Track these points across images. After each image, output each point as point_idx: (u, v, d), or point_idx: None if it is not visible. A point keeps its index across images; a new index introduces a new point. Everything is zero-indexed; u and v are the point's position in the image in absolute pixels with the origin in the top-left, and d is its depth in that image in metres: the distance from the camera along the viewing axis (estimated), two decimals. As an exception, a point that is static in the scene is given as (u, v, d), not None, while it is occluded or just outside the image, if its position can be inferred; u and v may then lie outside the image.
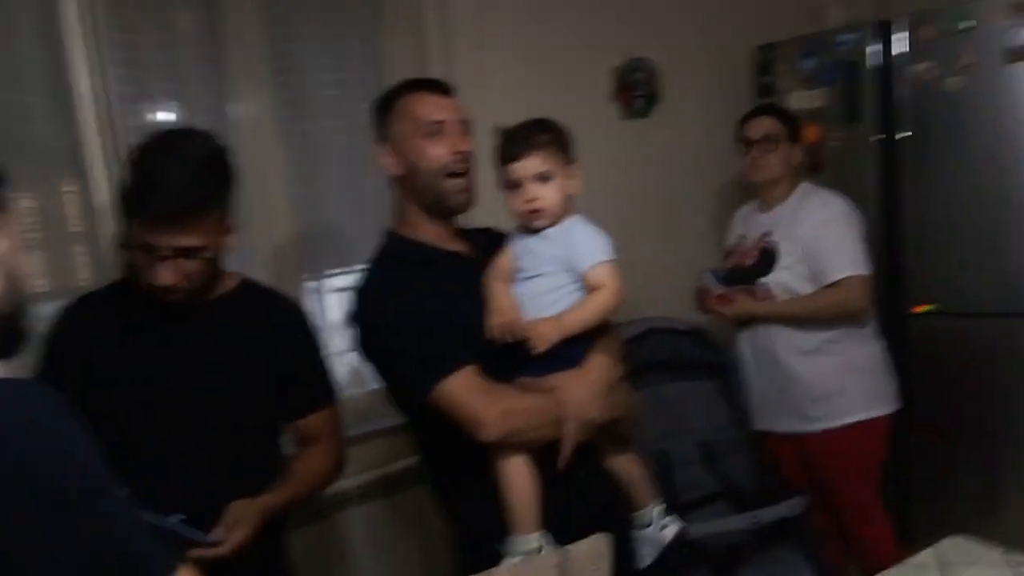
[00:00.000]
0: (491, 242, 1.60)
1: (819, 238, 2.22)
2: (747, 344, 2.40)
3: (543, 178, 1.45)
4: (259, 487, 1.49)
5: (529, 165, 1.44)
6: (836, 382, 2.26)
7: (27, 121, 1.91)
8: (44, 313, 1.58)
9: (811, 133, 2.67)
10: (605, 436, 1.54)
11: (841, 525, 2.36)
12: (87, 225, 1.96)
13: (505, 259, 1.52)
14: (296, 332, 1.61)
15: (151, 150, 1.42)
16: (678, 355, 2.52)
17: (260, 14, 2.20)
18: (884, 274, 2.61)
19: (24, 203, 1.92)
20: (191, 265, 1.40)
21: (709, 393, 2.52)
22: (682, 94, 2.87)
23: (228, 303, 1.55)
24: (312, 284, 2.32)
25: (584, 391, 1.45)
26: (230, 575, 1.33)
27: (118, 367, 1.47)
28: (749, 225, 2.42)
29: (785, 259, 2.26)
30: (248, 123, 2.21)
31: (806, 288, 2.25)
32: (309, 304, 2.28)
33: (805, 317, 2.25)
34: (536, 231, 1.49)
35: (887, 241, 2.69)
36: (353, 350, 1.57)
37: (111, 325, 1.50)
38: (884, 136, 2.68)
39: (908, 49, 2.59)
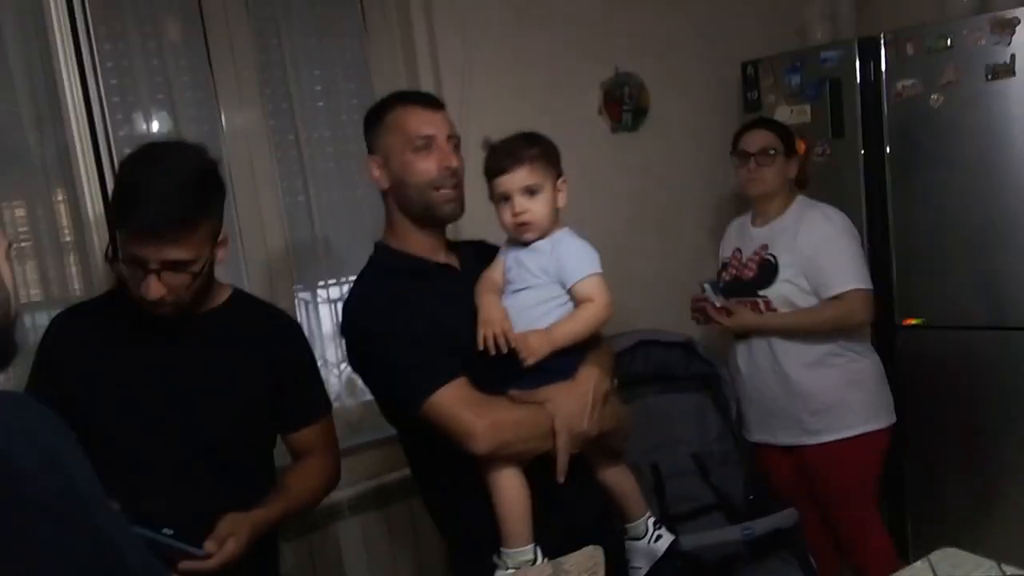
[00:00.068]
0: (481, 255, 1.61)
1: (821, 252, 2.23)
2: (744, 356, 2.39)
3: (531, 191, 1.46)
4: (251, 499, 1.48)
5: (517, 178, 1.46)
6: (837, 395, 2.27)
7: (17, 130, 1.90)
8: (37, 323, 1.57)
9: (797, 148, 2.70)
10: (596, 449, 1.55)
11: (839, 537, 2.36)
12: (78, 235, 1.95)
13: (495, 271, 1.53)
14: (289, 345, 1.60)
15: (138, 163, 1.41)
16: (668, 367, 2.53)
17: (249, 24, 2.21)
18: (871, 288, 2.64)
19: (16, 212, 1.92)
20: (179, 279, 1.39)
21: (699, 405, 2.53)
22: (669, 108, 2.89)
23: (220, 315, 1.54)
24: (304, 295, 2.32)
25: (574, 404, 1.45)
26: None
27: (109, 378, 1.46)
28: (744, 238, 2.42)
29: (785, 272, 2.26)
30: (239, 133, 2.21)
31: (806, 301, 2.25)
32: (301, 315, 2.29)
33: (807, 330, 2.25)
34: (525, 244, 1.50)
35: (873, 255, 2.71)
36: (345, 361, 1.57)
37: (103, 336, 1.49)
38: (869, 151, 2.71)
39: (891, 66, 2.63)
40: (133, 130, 2.08)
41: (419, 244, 1.57)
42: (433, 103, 1.57)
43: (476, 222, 1.62)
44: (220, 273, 1.56)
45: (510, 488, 1.43)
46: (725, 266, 2.45)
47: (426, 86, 2.37)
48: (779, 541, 2.28)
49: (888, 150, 2.68)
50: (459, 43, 2.43)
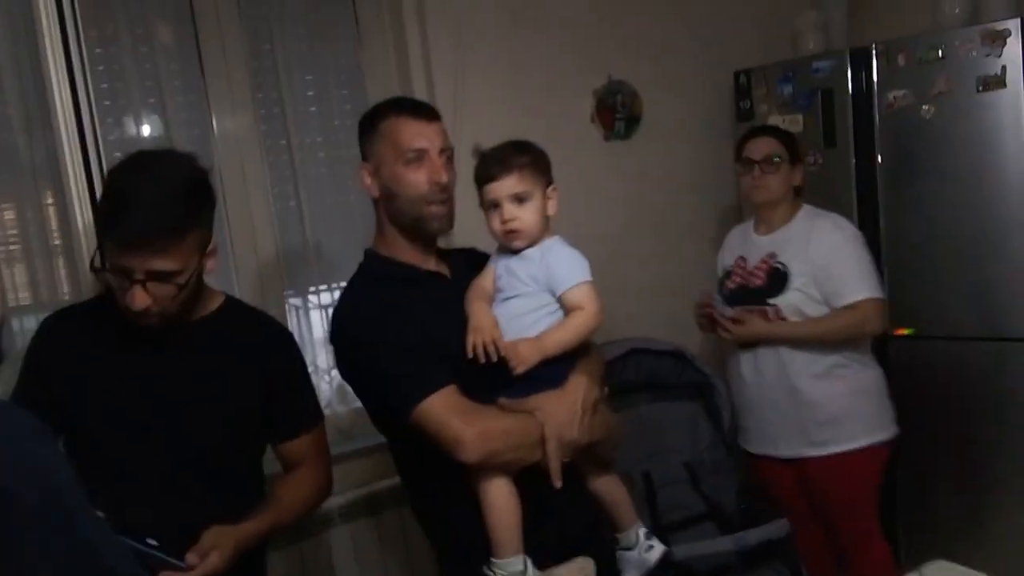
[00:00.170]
0: (472, 262, 1.60)
1: (833, 260, 2.22)
2: (749, 365, 2.35)
3: (519, 199, 1.46)
4: (240, 509, 1.46)
5: (506, 185, 1.45)
6: (844, 406, 2.25)
7: (6, 131, 1.89)
8: (25, 327, 1.56)
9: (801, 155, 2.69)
10: (586, 458, 1.54)
11: (840, 548, 2.35)
12: (67, 239, 1.94)
13: (485, 279, 1.53)
14: (281, 352, 1.58)
15: (126, 170, 1.40)
16: (659, 376, 2.52)
17: (241, 27, 2.20)
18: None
19: (5, 215, 1.91)
20: (165, 290, 1.37)
21: (691, 414, 2.52)
22: (662, 117, 2.90)
23: (211, 323, 1.52)
24: (295, 300, 2.31)
25: (564, 412, 1.44)
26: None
27: (96, 383, 1.44)
28: (748, 246, 2.39)
29: (797, 280, 2.24)
30: (230, 137, 2.20)
31: (816, 310, 2.23)
32: (292, 321, 2.28)
33: (819, 339, 2.23)
34: (515, 251, 1.50)
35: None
36: (336, 368, 1.56)
37: (90, 339, 1.47)
38: (860, 161, 2.72)
39: (883, 76, 2.64)
40: (123, 133, 2.07)
41: (409, 252, 1.56)
42: (428, 114, 1.55)
43: (467, 229, 1.62)
44: (210, 279, 1.54)
45: (500, 497, 1.43)
46: (728, 274, 2.41)
47: (419, 91, 2.37)
48: (771, 551, 2.27)
49: (880, 160, 2.69)
50: (452, 49, 2.43)
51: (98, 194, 1.80)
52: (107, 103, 2.02)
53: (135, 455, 1.43)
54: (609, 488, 1.60)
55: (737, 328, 2.29)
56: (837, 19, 3.02)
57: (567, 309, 1.47)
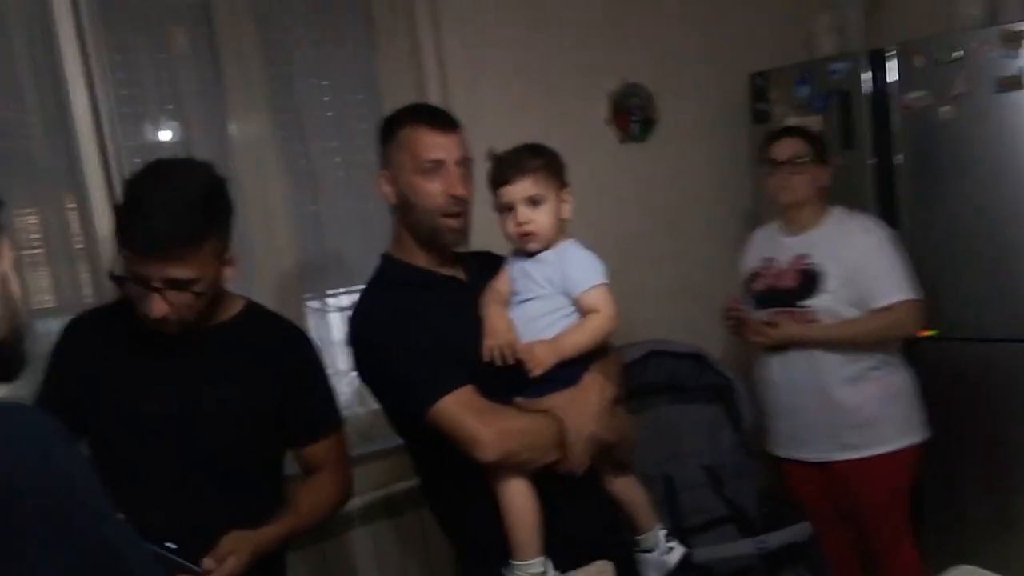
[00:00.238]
0: (487, 265, 1.60)
1: (868, 262, 2.19)
2: (779, 368, 2.30)
3: (534, 202, 1.46)
4: (255, 511, 1.46)
5: (520, 189, 1.45)
6: (877, 409, 2.23)
7: (27, 139, 1.91)
8: (48, 329, 1.58)
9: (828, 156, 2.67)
10: (604, 460, 1.54)
11: (872, 552, 2.31)
12: (89, 243, 1.96)
13: (501, 282, 1.53)
14: (295, 354, 1.57)
15: (143, 179, 1.40)
16: (678, 377, 2.51)
17: (257, 34, 2.22)
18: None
19: (28, 220, 1.93)
20: (182, 298, 1.37)
21: (712, 417, 2.50)
22: (678, 120, 2.89)
23: (231, 328, 1.52)
24: (314, 304, 2.32)
25: (580, 409, 1.44)
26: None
27: (107, 383, 1.45)
28: (775, 247, 2.34)
29: (830, 282, 2.20)
30: (247, 143, 2.21)
31: (849, 312, 2.21)
32: (312, 324, 2.29)
33: (852, 341, 2.21)
34: (531, 254, 1.50)
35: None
36: (354, 370, 1.57)
37: (104, 341, 1.48)
38: (879, 162, 2.70)
39: (900, 78, 2.62)
40: (142, 140, 2.09)
41: (425, 258, 1.56)
42: (446, 124, 1.53)
43: (482, 232, 1.62)
44: (230, 283, 1.55)
45: (518, 498, 1.43)
46: (754, 276, 2.37)
47: (433, 96, 2.38)
48: (795, 555, 2.25)
49: (898, 161, 2.67)
50: (467, 53, 2.44)
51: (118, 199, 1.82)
52: (125, 110, 2.04)
53: (146, 457, 1.44)
54: (627, 490, 1.60)
55: (771, 331, 2.25)
56: (853, 20, 3.01)
57: (583, 312, 1.47)
